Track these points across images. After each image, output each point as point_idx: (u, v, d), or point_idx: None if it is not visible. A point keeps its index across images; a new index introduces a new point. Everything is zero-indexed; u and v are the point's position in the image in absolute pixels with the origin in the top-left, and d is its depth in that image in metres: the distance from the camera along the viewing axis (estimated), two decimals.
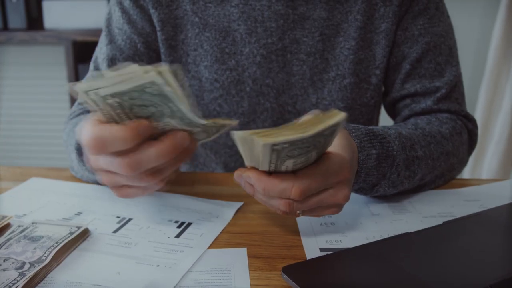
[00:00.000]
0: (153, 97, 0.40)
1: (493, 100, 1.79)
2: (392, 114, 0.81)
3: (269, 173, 0.46)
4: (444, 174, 0.67)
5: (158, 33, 0.74)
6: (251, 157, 0.44)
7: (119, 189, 0.49)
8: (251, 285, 0.44)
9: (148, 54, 0.76)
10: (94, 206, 0.61)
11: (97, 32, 1.74)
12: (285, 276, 0.44)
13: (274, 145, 0.39)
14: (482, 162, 1.88)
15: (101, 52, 0.76)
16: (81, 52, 1.80)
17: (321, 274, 0.45)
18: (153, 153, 0.43)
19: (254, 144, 0.40)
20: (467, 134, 0.72)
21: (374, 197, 0.63)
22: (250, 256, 0.49)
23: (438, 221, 0.56)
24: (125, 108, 0.42)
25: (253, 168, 0.47)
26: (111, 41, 0.75)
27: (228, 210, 0.59)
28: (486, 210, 0.59)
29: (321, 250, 0.50)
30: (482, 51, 1.86)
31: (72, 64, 1.76)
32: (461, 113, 0.73)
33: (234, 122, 0.46)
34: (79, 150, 0.61)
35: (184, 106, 0.41)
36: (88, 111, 0.70)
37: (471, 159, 1.89)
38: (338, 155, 0.47)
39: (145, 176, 0.45)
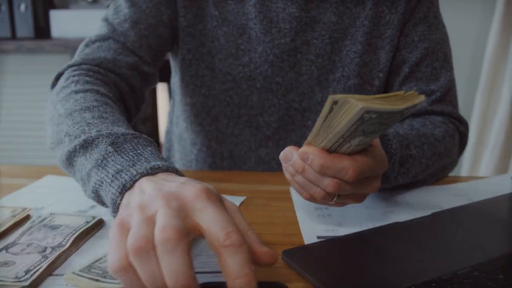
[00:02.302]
0: (394, 120, 0.43)
1: (489, 105, 1.84)
2: None
3: (327, 152, 0.48)
4: (437, 173, 0.71)
5: (180, 19, 0.77)
6: (328, 126, 0.44)
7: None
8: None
9: (171, 28, 0.77)
10: None
11: None
12: (285, 258, 0.48)
13: (367, 111, 0.40)
14: (479, 167, 1.93)
15: (118, 14, 0.75)
16: None
17: (318, 257, 0.49)
18: None
19: (345, 107, 0.41)
20: (458, 136, 0.77)
21: None
22: None
23: (427, 213, 0.60)
24: (358, 132, 0.44)
25: (309, 144, 0.49)
26: (133, 4, 0.75)
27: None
28: (472, 202, 0.63)
29: (318, 237, 0.54)
30: (478, 57, 1.91)
31: None
32: (453, 115, 0.78)
33: (423, 98, 0.44)
34: (117, 144, 0.50)
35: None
36: (90, 90, 0.62)
37: (468, 164, 1.94)
38: (378, 146, 0.51)
39: None
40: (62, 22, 1.83)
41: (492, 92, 1.83)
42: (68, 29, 1.83)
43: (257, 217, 0.60)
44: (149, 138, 0.53)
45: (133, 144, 0.50)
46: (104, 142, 0.50)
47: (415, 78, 0.78)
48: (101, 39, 0.73)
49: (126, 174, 0.45)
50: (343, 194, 0.51)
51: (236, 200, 0.64)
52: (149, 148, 0.50)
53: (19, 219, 0.58)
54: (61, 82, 0.67)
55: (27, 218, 0.59)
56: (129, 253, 0.35)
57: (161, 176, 0.45)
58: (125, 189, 0.44)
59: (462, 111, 0.82)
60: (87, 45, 0.74)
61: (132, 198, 0.42)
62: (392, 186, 0.64)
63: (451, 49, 0.82)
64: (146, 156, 0.48)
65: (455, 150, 0.74)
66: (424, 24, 0.78)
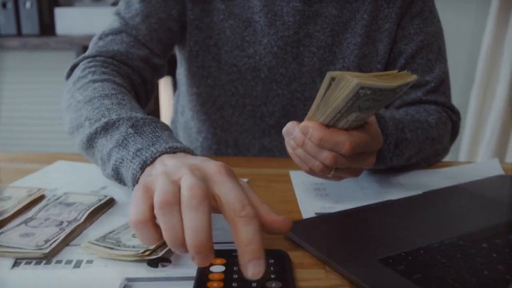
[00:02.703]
0: (389, 98, 0.47)
1: (484, 102, 1.87)
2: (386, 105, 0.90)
3: (326, 126, 0.52)
4: (429, 158, 0.75)
5: (188, 13, 0.81)
6: (326, 102, 0.48)
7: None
8: None
9: (179, 20, 0.81)
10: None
11: None
12: None
13: (362, 87, 0.43)
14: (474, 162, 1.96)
15: (129, 9, 0.78)
16: None
17: (315, 229, 0.53)
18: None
19: (341, 83, 0.44)
20: (450, 124, 0.81)
21: (365, 171, 0.71)
22: None
23: (419, 192, 0.64)
24: (354, 108, 0.47)
25: (310, 119, 0.52)
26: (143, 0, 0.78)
27: None
28: (461, 183, 0.67)
29: (316, 214, 0.58)
30: (474, 54, 1.95)
31: None
32: (446, 105, 0.82)
33: (415, 77, 0.47)
34: (136, 126, 0.54)
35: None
36: (106, 79, 0.66)
37: (464, 159, 1.98)
38: (373, 124, 0.55)
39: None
40: (66, 19, 1.86)
41: (488, 88, 1.87)
42: (72, 26, 1.87)
43: (260, 195, 0.64)
44: (166, 123, 0.57)
45: (151, 127, 0.54)
46: (124, 124, 0.54)
47: (410, 69, 0.82)
48: (114, 32, 0.77)
49: (147, 152, 0.49)
50: (340, 168, 0.55)
51: None
52: (166, 132, 0.54)
53: (35, 197, 0.61)
54: (78, 72, 0.70)
55: (42, 197, 0.63)
56: (155, 207, 0.39)
57: (180, 155, 0.49)
58: (145, 164, 0.48)
59: (458, 107, 0.86)
60: (100, 38, 0.77)
61: (154, 171, 0.46)
62: (387, 167, 0.68)
63: (445, 42, 0.86)
64: (164, 138, 0.52)
65: (446, 137, 0.78)
66: (420, 18, 0.82)
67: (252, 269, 0.38)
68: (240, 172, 0.73)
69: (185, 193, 0.39)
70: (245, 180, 0.69)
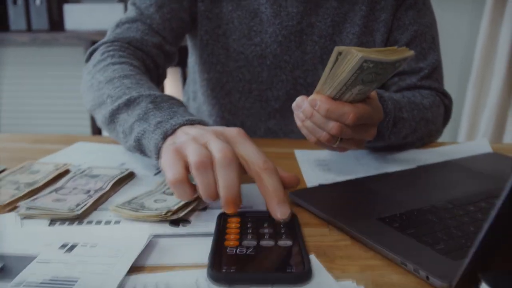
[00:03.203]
0: (389, 72, 0.52)
1: (480, 97, 1.93)
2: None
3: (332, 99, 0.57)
4: (423, 138, 0.80)
5: (199, 4, 0.87)
6: (333, 75, 0.52)
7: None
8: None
9: (190, 11, 0.87)
10: (135, 159, 0.74)
11: None
12: (292, 196, 0.58)
13: (366, 60, 0.48)
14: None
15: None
16: None
17: (319, 195, 0.59)
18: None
19: (348, 57, 0.49)
20: (443, 108, 0.86)
21: (364, 148, 0.77)
22: None
23: (413, 166, 0.69)
24: (358, 81, 0.52)
25: (318, 93, 0.57)
26: None
27: None
28: (453, 159, 0.73)
29: (320, 184, 0.64)
30: (469, 53, 2.01)
31: None
32: (439, 90, 0.87)
33: (412, 53, 0.52)
34: (155, 102, 0.61)
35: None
36: (125, 62, 0.72)
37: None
38: (375, 98, 0.60)
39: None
40: (75, 15, 1.92)
41: (483, 85, 1.92)
42: (80, 22, 1.92)
43: None
44: (181, 100, 0.63)
45: (169, 103, 0.60)
46: (144, 100, 0.60)
47: None
48: (130, 21, 0.83)
49: (167, 124, 0.55)
50: (344, 139, 0.60)
51: None
52: (182, 108, 0.60)
53: (61, 171, 0.67)
54: (97, 56, 0.76)
55: (67, 172, 0.69)
56: (191, 168, 0.46)
57: (197, 126, 0.55)
58: (167, 135, 0.54)
59: (455, 99, 0.91)
60: (117, 26, 0.83)
61: (177, 139, 0.52)
62: (385, 144, 0.74)
63: (438, 33, 0.91)
64: (181, 112, 0.58)
65: (439, 119, 0.84)
66: (414, 10, 0.87)
67: (280, 210, 0.46)
68: None
69: (217, 155, 0.46)
70: None
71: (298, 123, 0.62)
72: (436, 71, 0.88)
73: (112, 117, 0.63)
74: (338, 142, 0.60)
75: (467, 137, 1.98)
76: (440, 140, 0.91)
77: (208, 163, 0.46)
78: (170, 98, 0.62)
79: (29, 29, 1.94)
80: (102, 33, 1.88)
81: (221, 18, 0.88)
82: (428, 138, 0.82)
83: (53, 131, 2.17)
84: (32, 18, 1.92)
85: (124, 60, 0.73)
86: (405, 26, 0.87)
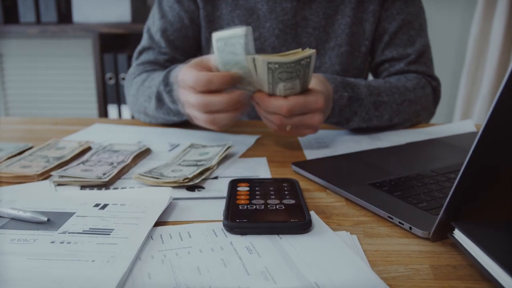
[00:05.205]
0: (302, 67, 0.62)
1: (473, 86, 2.00)
2: (376, 76, 1.02)
3: (269, 95, 0.66)
4: (411, 118, 0.87)
5: (201, 11, 0.95)
6: (261, 78, 0.64)
7: (193, 118, 0.70)
8: (271, 173, 0.65)
9: (191, 27, 0.97)
10: (150, 137, 0.82)
11: (121, 25, 1.94)
12: (294, 167, 0.65)
13: (269, 62, 0.60)
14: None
15: (154, 24, 0.97)
16: (106, 44, 2.01)
17: (318, 165, 0.66)
18: (217, 99, 0.64)
19: (258, 62, 0.61)
20: (430, 89, 0.93)
21: (356, 130, 0.84)
22: (269, 161, 0.70)
23: (402, 143, 0.76)
24: (276, 79, 0.63)
25: (259, 91, 0.67)
26: (163, 16, 0.96)
27: (250, 139, 0.80)
28: (439, 137, 0.80)
29: (318, 158, 0.71)
30: (462, 46, 2.07)
31: (98, 54, 1.97)
32: (426, 73, 0.94)
33: (312, 51, 0.62)
34: (159, 97, 0.80)
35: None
36: (148, 70, 0.93)
37: None
38: (315, 90, 0.68)
39: (209, 115, 0.66)
40: (83, 8, 1.98)
41: (475, 78, 1.99)
42: (89, 14, 1.98)
43: (271, 146, 0.77)
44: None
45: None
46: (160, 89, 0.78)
47: (394, 44, 0.94)
48: (145, 49, 1.00)
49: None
50: (294, 127, 0.67)
51: (253, 138, 0.81)
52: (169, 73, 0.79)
53: (84, 147, 0.74)
54: (130, 77, 0.97)
55: (89, 148, 0.75)
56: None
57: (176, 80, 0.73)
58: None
59: (449, 92, 0.98)
60: (140, 53, 1.00)
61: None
62: (373, 126, 0.81)
63: (426, 21, 0.98)
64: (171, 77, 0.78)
65: (426, 99, 0.90)
66: (401, 0, 0.94)
67: None
68: (254, 131, 0.85)
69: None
70: (257, 136, 0.82)
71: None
72: (423, 56, 0.95)
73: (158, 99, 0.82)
74: (289, 128, 0.67)
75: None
76: (432, 122, 0.98)
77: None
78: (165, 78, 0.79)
79: (38, 21, 2.00)
80: (109, 25, 1.94)
81: (222, 20, 0.95)
82: (415, 118, 0.89)
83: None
84: (41, 11, 1.98)
85: (145, 71, 0.94)
86: (392, 16, 0.94)
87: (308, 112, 0.67)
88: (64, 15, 2.05)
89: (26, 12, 1.98)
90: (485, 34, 1.94)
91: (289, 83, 0.64)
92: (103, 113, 2.06)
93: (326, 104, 0.69)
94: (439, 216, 0.44)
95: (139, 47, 1.01)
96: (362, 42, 0.96)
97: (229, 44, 0.62)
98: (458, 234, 0.43)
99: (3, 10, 2.01)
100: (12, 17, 2.03)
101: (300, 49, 0.63)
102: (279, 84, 0.64)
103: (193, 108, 0.67)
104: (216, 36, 0.63)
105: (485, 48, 1.95)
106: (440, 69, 0.98)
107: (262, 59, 0.60)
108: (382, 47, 0.96)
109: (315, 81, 0.70)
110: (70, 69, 2.16)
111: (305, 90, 0.67)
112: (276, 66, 0.61)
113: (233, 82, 0.65)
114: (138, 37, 1.12)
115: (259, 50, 0.95)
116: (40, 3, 1.98)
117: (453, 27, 2.06)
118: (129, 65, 1.95)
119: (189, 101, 0.66)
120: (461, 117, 2.01)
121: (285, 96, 0.65)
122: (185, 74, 0.66)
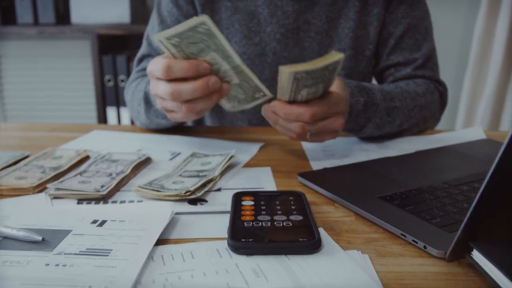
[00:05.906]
0: (202, 35, 0.59)
1: (477, 87, 1.97)
2: (380, 81, 1.00)
3: (289, 102, 0.63)
4: (419, 124, 0.85)
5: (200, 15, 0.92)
6: (281, 87, 0.61)
7: (169, 112, 0.67)
8: (276, 185, 0.63)
9: None
10: (150, 145, 0.79)
11: (120, 26, 1.92)
12: (300, 178, 0.62)
13: (296, 73, 0.57)
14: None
15: (153, 30, 0.94)
16: (105, 45, 1.98)
17: (324, 177, 0.63)
18: (189, 87, 0.60)
19: (282, 73, 0.58)
20: (438, 95, 0.91)
21: (364, 138, 0.81)
22: (273, 171, 0.67)
23: (412, 152, 0.74)
24: (183, 46, 0.59)
25: (278, 99, 0.64)
26: (162, 21, 0.93)
27: (253, 147, 0.78)
28: (448, 145, 0.77)
29: (325, 168, 0.68)
30: (466, 47, 2.05)
31: (96, 56, 1.94)
32: (433, 78, 0.92)
33: (341, 55, 0.59)
34: (146, 99, 0.79)
35: (224, 42, 0.59)
36: (145, 75, 0.90)
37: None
38: (337, 93, 0.65)
39: (183, 105, 0.62)
40: (81, 9, 1.95)
41: (479, 78, 1.97)
42: (87, 15, 1.95)
43: (275, 154, 0.74)
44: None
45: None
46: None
47: (399, 48, 0.92)
48: (145, 56, 0.97)
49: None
50: (314, 133, 0.65)
51: (256, 146, 0.78)
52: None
53: (82, 156, 0.72)
54: (131, 83, 0.94)
55: (87, 157, 0.73)
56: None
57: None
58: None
59: (452, 91, 0.96)
60: (140, 61, 0.98)
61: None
62: (384, 133, 0.78)
63: (432, 24, 0.96)
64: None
65: (435, 105, 0.88)
66: (406, 4, 0.91)
67: None
68: (258, 139, 0.83)
69: None
70: (261, 144, 0.79)
71: (273, 125, 0.68)
72: (430, 60, 0.92)
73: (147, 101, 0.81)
74: (309, 135, 0.65)
75: (464, 127, 2.03)
76: (437, 128, 0.96)
77: None
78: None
79: (36, 22, 1.97)
80: (108, 26, 1.92)
81: (222, 24, 0.92)
82: (423, 124, 0.86)
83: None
84: (39, 12, 1.95)
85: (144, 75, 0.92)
86: (398, 20, 0.91)
87: (329, 116, 0.64)
88: (62, 16, 2.03)
89: (23, 13, 1.95)
90: (489, 35, 1.91)
91: (313, 88, 0.61)
92: (102, 115, 2.03)
93: (346, 106, 0.68)
94: (456, 236, 0.42)
95: (139, 55, 0.99)
96: (366, 46, 0.93)
97: (186, 36, 0.59)
98: (477, 255, 0.41)
99: (0, 11, 1.99)
100: (9, 18, 2.01)
101: (326, 56, 0.59)
102: (303, 90, 0.61)
103: (163, 101, 0.64)
104: (163, 35, 0.59)
105: (489, 48, 1.93)
106: (444, 70, 0.96)
107: (288, 72, 0.57)
108: (387, 51, 0.93)
109: (335, 84, 0.68)
110: (69, 71, 2.13)
111: (325, 93, 0.64)
112: (304, 75, 0.58)
113: (200, 67, 0.60)
114: (137, 38, 1.10)
115: (260, 55, 0.93)
116: (38, 4, 1.95)
117: (456, 27, 2.03)
118: (128, 66, 1.93)
119: (158, 93, 0.63)
120: (465, 118, 1.99)
121: (306, 101, 0.63)
122: (152, 65, 0.62)
